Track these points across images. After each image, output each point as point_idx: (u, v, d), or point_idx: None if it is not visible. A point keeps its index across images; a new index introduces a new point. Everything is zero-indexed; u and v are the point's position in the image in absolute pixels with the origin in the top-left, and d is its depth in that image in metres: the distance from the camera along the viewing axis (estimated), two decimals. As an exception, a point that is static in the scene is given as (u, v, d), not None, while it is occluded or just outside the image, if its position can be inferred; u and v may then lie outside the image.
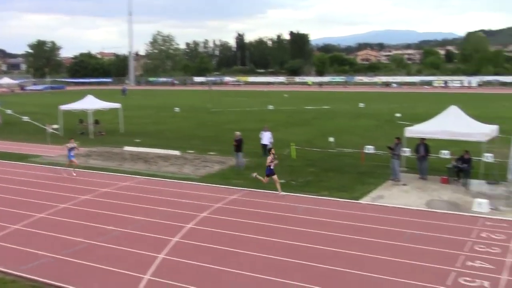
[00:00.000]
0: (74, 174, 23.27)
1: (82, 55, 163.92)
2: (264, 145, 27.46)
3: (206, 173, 23.82)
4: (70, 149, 23.42)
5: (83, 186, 21.27)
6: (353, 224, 15.87)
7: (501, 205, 17.65)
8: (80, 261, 12.99)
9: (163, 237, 14.80)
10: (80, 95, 44.13)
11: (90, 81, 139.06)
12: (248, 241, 14.44)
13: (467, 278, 11.69)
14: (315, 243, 14.15)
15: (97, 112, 39.23)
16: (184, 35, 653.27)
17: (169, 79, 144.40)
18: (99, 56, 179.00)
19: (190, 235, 15.02)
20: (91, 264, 12.84)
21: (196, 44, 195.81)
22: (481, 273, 11.95)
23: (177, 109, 58.39)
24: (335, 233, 15.05)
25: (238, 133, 25.32)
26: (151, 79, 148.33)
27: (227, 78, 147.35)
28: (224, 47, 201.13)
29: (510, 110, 52.52)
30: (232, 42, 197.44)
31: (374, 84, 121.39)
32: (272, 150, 20.17)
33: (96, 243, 14.38)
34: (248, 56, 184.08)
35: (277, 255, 13.30)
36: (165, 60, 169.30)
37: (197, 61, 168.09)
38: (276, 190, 19.42)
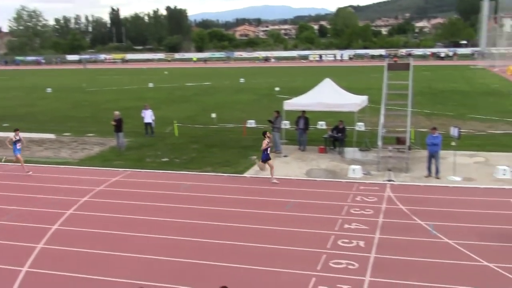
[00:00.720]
0: (29, 172, 19.73)
1: None
2: (147, 124, 26.83)
3: (85, 156, 22.77)
4: (16, 142, 19.65)
5: None
6: (237, 198, 16.15)
7: (373, 170, 19.00)
8: None
9: (42, 225, 13.93)
10: None
11: None
12: (134, 223, 14.10)
13: (345, 240, 12.46)
14: (201, 219, 14.19)
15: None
16: (52, 10, 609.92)
17: (39, 58, 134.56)
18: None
19: (71, 222, 14.32)
20: (-41, 262, 11.75)
21: (66, 20, 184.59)
22: (357, 234, 12.81)
23: (49, 90, 54.91)
24: (220, 207, 15.21)
25: (117, 112, 24.43)
26: (18, 58, 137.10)
27: (103, 56, 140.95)
28: (97, 23, 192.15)
29: (378, 81, 56.28)
30: (107, 18, 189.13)
31: (256, 59, 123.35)
32: (268, 133, 18.53)
33: (-36, 238, 13.17)
34: (124, 33, 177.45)
35: (165, 234, 13.15)
36: (33, 37, 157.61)
37: (69, 38, 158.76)
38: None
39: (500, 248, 11.80)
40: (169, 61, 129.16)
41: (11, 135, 20.15)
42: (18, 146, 19.72)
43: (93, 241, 12.83)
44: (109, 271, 11.16)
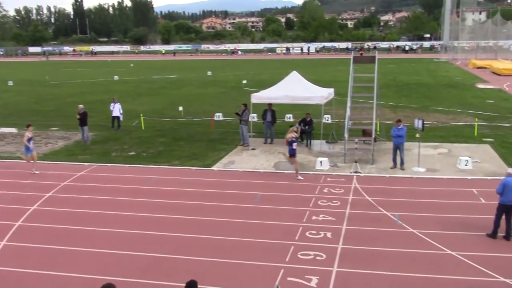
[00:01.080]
0: (37, 172, 18.52)
1: None
2: (114, 117, 26.40)
3: (49, 150, 22.28)
4: (29, 139, 18.46)
5: None
6: (205, 191, 16.08)
7: (339, 162, 19.21)
8: None
9: (5, 222, 13.57)
10: None
11: None
12: (101, 218, 13.89)
13: (313, 231, 12.58)
14: (169, 213, 14.09)
15: None
16: (12, 0, 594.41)
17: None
18: None
19: (35, 218, 14.00)
20: None
21: (27, 10, 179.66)
22: (324, 225, 12.95)
23: (10, 83, 53.43)
24: (188, 201, 15.13)
25: (81, 106, 23.96)
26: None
27: (67, 48, 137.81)
28: (60, 14, 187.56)
29: (344, 74, 56.89)
30: (70, 9, 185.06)
31: (224, 52, 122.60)
32: (294, 127, 18.13)
33: None
34: (88, 24, 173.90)
35: (132, 229, 13.01)
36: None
37: (31, 29, 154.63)
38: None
39: (462, 237, 12.12)
40: (136, 53, 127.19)
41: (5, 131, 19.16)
42: (32, 143, 18.54)
43: (57, 237, 12.58)
44: (74, 267, 10.97)
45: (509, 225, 11.87)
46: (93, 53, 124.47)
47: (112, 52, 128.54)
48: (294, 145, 17.27)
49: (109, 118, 26.83)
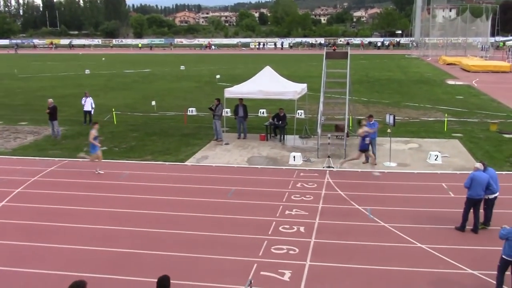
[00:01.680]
0: (101, 172, 17.60)
1: None
2: (86, 112, 25.97)
3: (18, 145, 21.82)
4: (96, 138, 17.56)
5: None
6: (178, 186, 16.01)
7: (312, 157, 19.34)
8: None
9: (-30, 219, 13.27)
10: None
11: None
12: (71, 213, 13.69)
13: (286, 226, 12.65)
14: (141, 208, 13.99)
15: None
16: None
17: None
18: None
19: (3, 213, 13.72)
20: None
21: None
22: (297, 220, 13.03)
23: (-23, 76, 52.08)
24: (161, 196, 15.04)
25: (50, 100, 23.51)
26: None
27: (36, 41, 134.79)
28: (29, 6, 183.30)
29: (317, 69, 57.21)
30: (39, 1, 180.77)
31: (198, 46, 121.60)
32: (363, 121, 17.74)
33: None
34: (58, 17, 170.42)
35: (104, 224, 12.87)
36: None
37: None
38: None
39: (432, 230, 12.36)
40: (111, 47, 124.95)
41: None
42: (98, 142, 17.65)
43: (26, 233, 12.36)
44: (43, 263, 10.81)
45: (477, 219, 12.14)
46: (71, 47, 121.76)
47: (89, 46, 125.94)
48: (367, 140, 17.00)
49: (81, 113, 26.40)
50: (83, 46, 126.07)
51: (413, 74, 52.60)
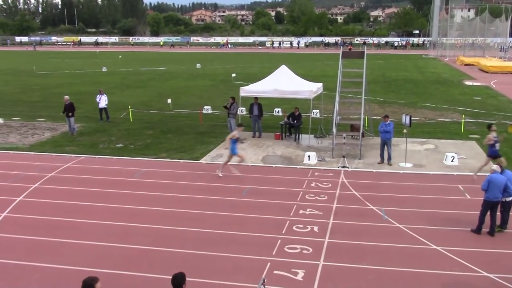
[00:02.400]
0: (221, 175, 16.85)
1: None
2: (101, 109, 26.19)
3: (35, 141, 22.09)
4: (235, 140, 17.01)
5: None
6: (194, 184, 16.06)
7: (327, 156, 19.28)
8: None
9: (-12, 213, 13.48)
10: None
11: None
12: (87, 209, 13.83)
13: (300, 225, 12.64)
14: (156, 205, 14.07)
15: None
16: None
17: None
18: None
19: (21, 209, 13.90)
20: None
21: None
22: (311, 220, 13.01)
23: (-4, 73, 52.82)
24: (175, 194, 15.11)
25: (67, 97, 23.75)
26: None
27: (55, 38, 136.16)
28: (48, 4, 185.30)
29: (333, 68, 57.00)
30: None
31: (215, 44, 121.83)
32: (493, 126, 16.57)
33: None
34: (76, 15, 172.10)
35: (119, 221, 12.97)
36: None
37: (18, 19, 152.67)
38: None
39: (447, 232, 12.25)
40: (132, 44, 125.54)
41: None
42: (237, 145, 17.16)
43: (43, 229, 12.52)
44: (60, 258, 10.92)
45: (494, 221, 12.01)
46: (96, 44, 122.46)
47: (101, 43, 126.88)
48: (497, 146, 16.17)
49: (97, 110, 26.64)
50: (101, 43, 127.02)
51: (430, 74, 52.12)
